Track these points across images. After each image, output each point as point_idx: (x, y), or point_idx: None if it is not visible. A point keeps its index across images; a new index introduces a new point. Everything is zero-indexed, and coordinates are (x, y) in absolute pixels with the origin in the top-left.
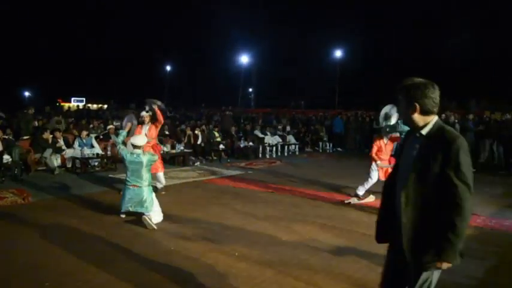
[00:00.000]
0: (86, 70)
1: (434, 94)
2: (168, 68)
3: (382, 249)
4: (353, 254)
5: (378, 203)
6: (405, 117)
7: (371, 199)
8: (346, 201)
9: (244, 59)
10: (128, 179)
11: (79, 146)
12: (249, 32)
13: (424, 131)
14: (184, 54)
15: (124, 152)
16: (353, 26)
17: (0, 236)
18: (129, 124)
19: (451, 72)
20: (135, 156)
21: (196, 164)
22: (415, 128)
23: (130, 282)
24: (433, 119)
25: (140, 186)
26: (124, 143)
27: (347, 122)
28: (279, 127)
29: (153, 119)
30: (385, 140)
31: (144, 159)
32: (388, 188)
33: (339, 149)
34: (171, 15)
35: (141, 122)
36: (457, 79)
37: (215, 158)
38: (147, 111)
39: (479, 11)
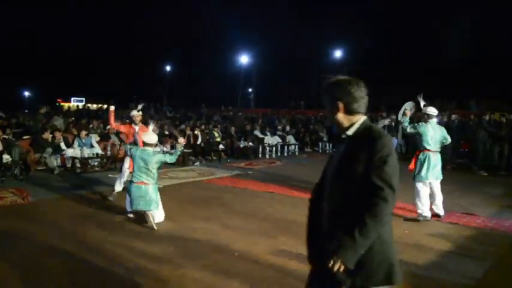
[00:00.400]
0: (86, 70)
1: (359, 92)
2: (168, 68)
3: None
4: None
5: None
6: (330, 117)
7: None
8: None
9: (244, 59)
10: (134, 175)
11: (79, 146)
12: (249, 32)
13: (350, 132)
14: (184, 54)
15: (133, 148)
16: (353, 26)
17: (0, 236)
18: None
19: (451, 72)
20: (145, 152)
21: (196, 164)
22: (341, 129)
23: (131, 282)
24: (360, 118)
25: (148, 184)
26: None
27: None
28: (279, 127)
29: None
30: None
31: (156, 157)
32: (315, 198)
33: None
34: (171, 15)
35: (132, 122)
36: (457, 79)
37: (215, 158)
38: (138, 111)
39: (479, 11)
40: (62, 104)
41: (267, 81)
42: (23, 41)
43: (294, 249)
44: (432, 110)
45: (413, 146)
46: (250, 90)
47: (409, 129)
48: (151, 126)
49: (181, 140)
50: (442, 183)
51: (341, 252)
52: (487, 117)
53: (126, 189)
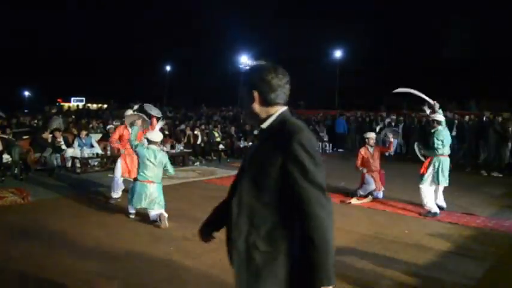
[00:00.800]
0: (86, 70)
1: (277, 80)
2: (168, 68)
3: (383, 249)
4: (353, 254)
5: (376, 204)
6: (247, 108)
7: (370, 199)
8: (346, 202)
9: (244, 59)
10: (140, 173)
11: (79, 145)
12: (249, 32)
13: (264, 125)
14: (184, 54)
15: (139, 147)
16: (353, 26)
17: None
18: (138, 122)
19: (451, 72)
20: (150, 151)
21: (196, 164)
22: (258, 122)
23: (131, 282)
24: (278, 110)
25: (153, 182)
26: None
27: (347, 122)
28: None
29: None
30: (370, 149)
31: (161, 156)
32: (228, 197)
33: (340, 149)
34: (171, 15)
35: (128, 123)
36: (457, 79)
37: (215, 158)
38: (134, 111)
39: (480, 11)
40: (62, 104)
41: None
42: (23, 41)
43: None
44: (441, 117)
45: (412, 148)
46: None
47: (440, 146)
48: (158, 125)
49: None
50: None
51: (320, 285)
52: (500, 119)
53: (127, 189)
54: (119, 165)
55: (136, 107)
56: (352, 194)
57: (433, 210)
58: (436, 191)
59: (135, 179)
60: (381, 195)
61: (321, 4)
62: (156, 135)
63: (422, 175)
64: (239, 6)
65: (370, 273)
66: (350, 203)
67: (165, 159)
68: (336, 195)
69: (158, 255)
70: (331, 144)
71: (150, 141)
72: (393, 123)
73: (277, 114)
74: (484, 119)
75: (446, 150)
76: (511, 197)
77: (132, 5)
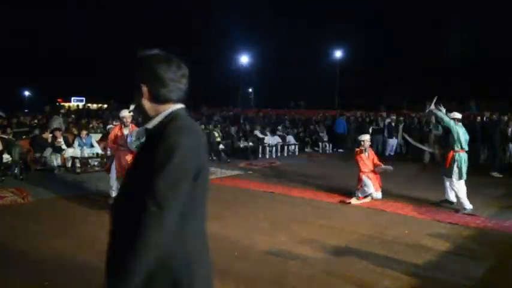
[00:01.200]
0: (86, 70)
1: (170, 73)
2: None
3: (383, 250)
4: (353, 254)
5: (376, 204)
6: (137, 103)
7: (369, 199)
8: (346, 202)
9: (244, 59)
10: None
11: (79, 145)
12: (249, 32)
13: (150, 125)
14: (184, 54)
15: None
16: (353, 26)
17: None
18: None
19: (451, 72)
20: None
21: None
22: (147, 120)
23: None
24: (169, 108)
25: None
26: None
27: (347, 122)
28: (279, 127)
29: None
30: (366, 154)
31: None
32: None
33: (340, 150)
34: (171, 15)
35: (122, 123)
36: (457, 79)
37: (215, 158)
38: (130, 111)
39: (480, 11)
40: (62, 103)
41: (267, 81)
42: (23, 41)
43: (294, 249)
44: (457, 114)
45: (413, 147)
46: (250, 90)
47: (446, 119)
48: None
49: None
50: (442, 184)
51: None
52: (505, 118)
53: None
54: (113, 166)
55: (132, 107)
56: (352, 193)
57: (467, 206)
58: (450, 187)
59: None
60: (380, 195)
61: (321, 4)
62: None
63: (450, 171)
64: (239, 6)
65: (370, 273)
66: (350, 203)
67: None
68: (335, 196)
69: None
70: (331, 144)
71: None
72: (393, 124)
73: (166, 113)
74: (485, 119)
75: (466, 146)
76: (511, 197)
77: (132, 5)
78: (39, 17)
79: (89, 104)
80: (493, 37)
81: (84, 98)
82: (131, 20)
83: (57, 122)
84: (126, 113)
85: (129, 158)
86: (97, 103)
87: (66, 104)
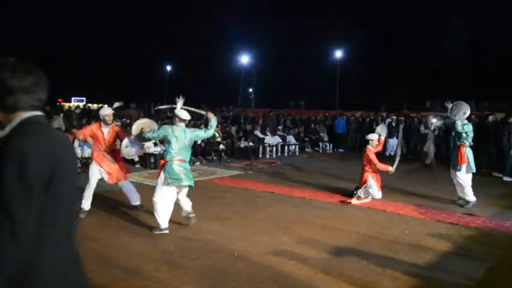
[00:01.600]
0: (86, 70)
1: (17, 80)
2: (168, 68)
3: (383, 250)
4: (353, 254)
5: (376, 204)
6: None
7: (370, 199)
8: (346, 202)
9: (244, 59)
10: (172, 153)
11: (79, 145)
12: (249, 32)
13: (1, 134)
14: (184, 54)
15: (169, 129)
16: (353, 26)
17: None
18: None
19: (451, 72)
20: (182, 129)
21: (196, 164)
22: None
23: (130, 282)
24: (19, 116)
25: (186, 161)
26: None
27: (347, 122)
28: (279, 127)
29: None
30: (372, 149)
31: (190, 133)
32: None
33: (340, 149)
34: (171, 15)
35: (103, 121)
36: (457, 79)
37: (215, 158)
38: (113, 109)
39: (480, 11)
40: (62, 103)
41: (267, 81)
42: (23, 41)
43: (294, 249)
44: (465, 106)
45: (413, 147)
46: (250, 90)
47: (460, 128)
48: (179, 104)
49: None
50: (443, 184)
51: None
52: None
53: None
54: (95, 168)
55: (117, 104)
56: (352, 193)
57: (472, 199)
58: (458, 179)
59: (169, 160)
60: (380, 195)
61: (321, 4)
62: (184, 113)
63: (465, 165)
64: (239, 6)
65: (370, 273)
66: (350, 203)
67: (201, 133)
68: (336, 195)
69: (158, 255)
70: (331, 144)
71: (180, 119)
72: (393, 124)
73: (16, 121)
74: (490, 119)
75: (472, 142)
76: (511, 197)
77: (132, 5)
78: (39, 17)
79: (89, 104)
80: (493, 37)
81: (84, 98)
82: (131, 20)
83: (57, 122)
84: (108, 111)
85: (106, 163)
86: (97, 103)
87: (67, 104)
